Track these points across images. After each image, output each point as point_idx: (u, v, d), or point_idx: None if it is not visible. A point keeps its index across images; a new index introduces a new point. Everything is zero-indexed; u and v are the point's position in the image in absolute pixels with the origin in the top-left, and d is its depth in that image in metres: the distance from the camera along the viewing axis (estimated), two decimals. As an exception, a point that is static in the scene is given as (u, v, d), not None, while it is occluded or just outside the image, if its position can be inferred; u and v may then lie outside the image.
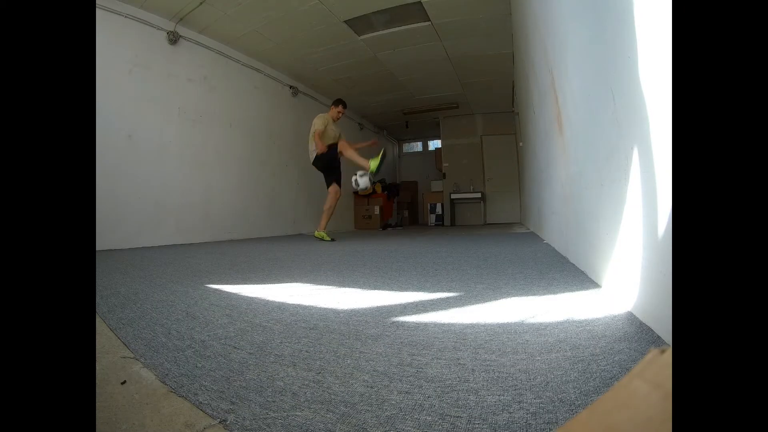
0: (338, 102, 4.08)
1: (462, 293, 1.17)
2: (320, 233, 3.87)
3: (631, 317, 0.84)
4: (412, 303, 1.07)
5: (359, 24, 4.36)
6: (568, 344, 0.70)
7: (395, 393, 0.54)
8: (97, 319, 0.97)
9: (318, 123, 3.82)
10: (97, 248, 3.06)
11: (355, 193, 3.69)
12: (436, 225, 8.11)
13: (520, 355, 0.66)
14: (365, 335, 0.80)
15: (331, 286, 1.37)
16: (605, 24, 1.00)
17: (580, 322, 0.84)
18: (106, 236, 3.22)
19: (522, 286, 1.24)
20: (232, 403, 0.53)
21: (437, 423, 0.46)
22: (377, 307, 1.05)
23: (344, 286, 1.38)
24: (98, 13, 3.28)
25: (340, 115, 4.03)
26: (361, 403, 0.51)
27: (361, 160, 3.68)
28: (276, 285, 1.44)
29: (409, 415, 0.48)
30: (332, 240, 3.84)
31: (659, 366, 0.23)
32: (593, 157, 1.25)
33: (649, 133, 0.73)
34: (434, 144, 9.90)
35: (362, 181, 3.68)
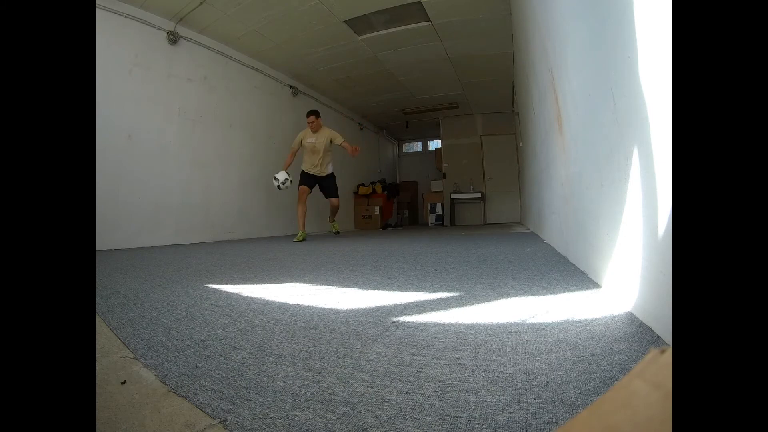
0: (307, 114, 4.14)
1: (462, 293, 1.17)
2: (334, 226, 4.64)
3: (631, 317, 0.84)
4: (412, 303, 1.07)
5: (359, 24, 4.37)
6: (568, 344, 0.70)
7: (395, 393, 0.54)
8: (97, 319, 0.97)
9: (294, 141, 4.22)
10: (97, 248, 3.06)
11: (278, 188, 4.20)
12: (436, 225, 8.11)
13: (520, 355, 0.66)
14: (365, 335, 0.80)
15: (331, 286, 1.37)
16: (605, 24, 1.00)
17: (580, 322, 0.84)
18: (106, 236, 3.22)
19: (522, 286, 1.24)
20: (232, 403, 0.53)
21: (437, 423, 0.46)
22: (377, 307, 1.05)
23: (344, 286, 1.38)
24: (98, 13, 3.28)
25: (311, 124, 4.07)
26: (361, 403, 0.51)
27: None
28: (276, 285, 1.44)
29: (409, 415, 0.48)
30: (337, 233, 4.64)
31: (659, 366, 0.23)
32: (593, 157, 1.25)
33: (650, 133, 0.73)
34: (434, 144, 9.90)
35: (280, 175, 4.10)
